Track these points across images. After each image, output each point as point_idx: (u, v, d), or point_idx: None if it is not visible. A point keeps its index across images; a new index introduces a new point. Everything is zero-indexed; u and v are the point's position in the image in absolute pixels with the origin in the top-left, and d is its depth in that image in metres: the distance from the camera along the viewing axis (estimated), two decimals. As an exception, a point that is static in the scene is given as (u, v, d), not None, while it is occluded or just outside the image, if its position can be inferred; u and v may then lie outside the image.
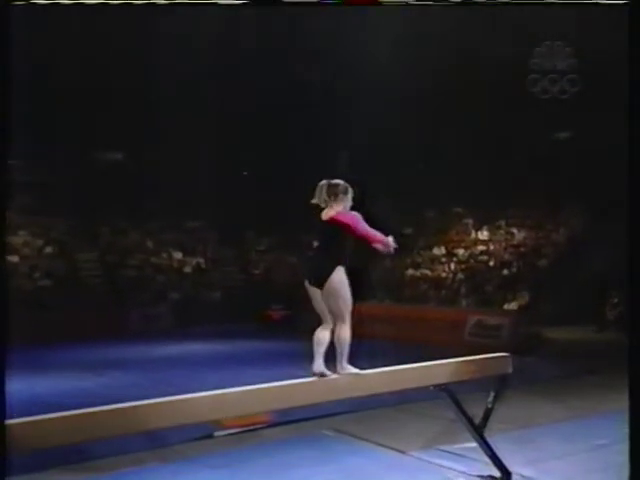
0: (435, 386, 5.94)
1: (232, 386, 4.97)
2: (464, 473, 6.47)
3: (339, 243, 5.16)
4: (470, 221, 24.32)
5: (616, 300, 17.84)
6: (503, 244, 22.79)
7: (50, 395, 10.00)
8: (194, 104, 22.40)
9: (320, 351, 5.12)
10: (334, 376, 5.19)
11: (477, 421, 6.15)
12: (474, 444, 6.28)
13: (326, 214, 5.22)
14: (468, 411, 6.14)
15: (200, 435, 7.44)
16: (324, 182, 5.29)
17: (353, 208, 5.28)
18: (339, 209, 5.19)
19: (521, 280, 20.15)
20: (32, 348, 11.72)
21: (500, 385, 6.27)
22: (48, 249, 22.19)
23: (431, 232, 25.03)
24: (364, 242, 5.20)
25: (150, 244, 24.42)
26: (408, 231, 25.15)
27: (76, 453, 6.36)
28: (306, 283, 5.23)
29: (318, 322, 5.26)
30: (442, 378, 5.90)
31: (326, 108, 22.21)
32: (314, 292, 5.20)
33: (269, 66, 22.15)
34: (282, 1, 5.22)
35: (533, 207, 23.10)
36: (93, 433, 4.33)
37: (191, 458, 7.14)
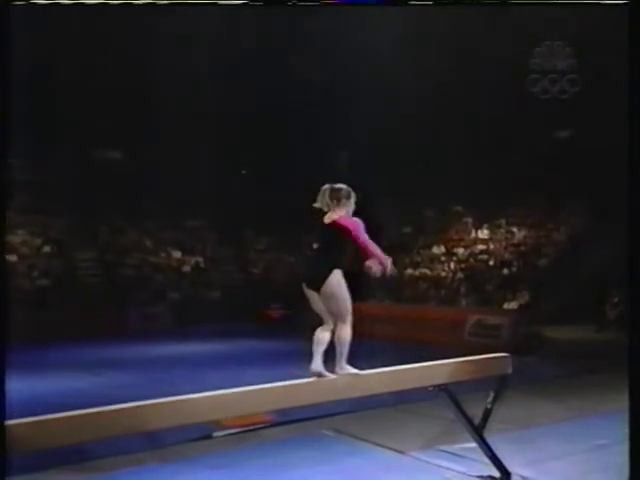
0: (434, 386, 5.93)
1: (231, 386, 4.96)
2: (463, 474, 6.46)
3: (339, 247, 5.14)
4: (470, 220, 24.32)
5: (616, 299, 17.83)
6: (503, 243, 22.79)
7: (48, 395, 9.97)
8: (193, 104, 22.41)
9: (319, 351, 5.11)
10: (333, 376, 5.19)
11: (477, 421, 6.15)
12: (474, 444, 6.27)
13: (328, 217, 5.21)
14: (468, 411, 6.13)
15: (199, 435, 7.43)
16: (327, 186, 5.28)
17: (356, 212, 5.28)
18: (342, 213, 5.19)
19: (521, 279, 20.14)
20: (30, 348, 11.69)
21: (500, 385, 6.26)
22: (46, 248, 22.17)
23: (431, 231, 25.03)
24: (362, 252, 5.17)
25: (149, 243, 24.41)
26: (407, 230, 25.24)
27: (75, 453, 6.35)
28: (303, 286, 5.22)
29: (318, 321, 5.26)
30: (441, 378, 5.89)
31: (326, 108, 22.23)
32: (311, 295, 5.20)
33: (269, 66, 22.16)
34: (282, 1, 5.22)
35: (533, 206, 23.10)
36: (93, 434, 4.33)
37: (190, 458, 7.13)
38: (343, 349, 5.19)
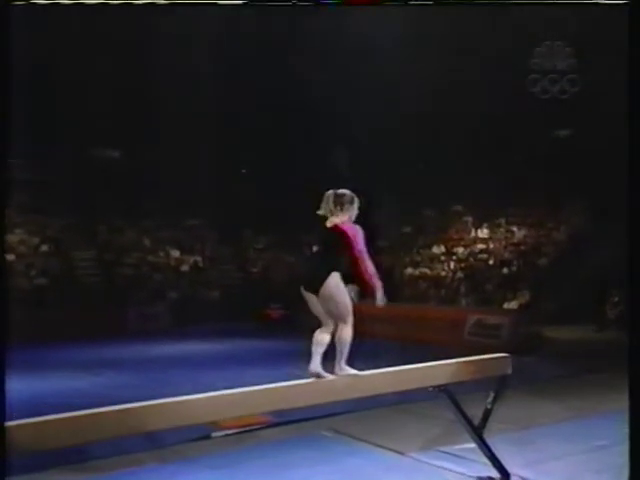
0: (434, 387, 5.92)
1: (231, 386, 4.96)
2: (463, 474, 6.45)
3: (338, 251, 5.15)
4: (470, 219, 24.31)
5: (617, 299, 17.82)
6: (503, 242, 22.79)
7: (47, 395, 9.95)
8: (192, 103, 22.42)
9: (318, 351, 5.11)
10: (332, 377, 5.19)
11: (476, 422, 6.14)
12: (473, 445, 6.26)
13: (330, 222, 5.23)
14: (467, 412, 6.12)
15: (198, 436, 7.42)
16: (330, 192, 5.29)
17: (359, 217, 5.29)
18: (344, 218, 5.21)
19: (521, 279, 20.13)
20: (28, 347, 11.68)
21: (500, 386, 6.25)
22: (44, 247, 22.13)
23: (431, 230, 25.02)
24: (353, 262, 5.13)
25: (147, 242, 24.37)
26: (407, 230, 25.24)
27: (75, 453, 6.34)
28: (301, 288, 5.23)
29: (317, 322, 5.26)
30: (441, 379, 5.88)
31: (326, 108, 22.21)
32: (309, 297, 5.20)
33: (269, 66, 22.16)
34: (282, 1, 5.21)
35: (533, 205, 23.09)
36: (92, 435, 4.33)
37: (190, 459, 7.12)
38: (343, 350, 5.19)
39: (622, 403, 4.50)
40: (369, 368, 5.58)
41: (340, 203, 5.21)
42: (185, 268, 23.92)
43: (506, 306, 18.66)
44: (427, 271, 22.65)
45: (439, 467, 6.71)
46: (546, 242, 22.19)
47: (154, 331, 18.99)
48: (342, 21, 20.03)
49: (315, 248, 5.44)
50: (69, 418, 4.21)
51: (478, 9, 16.63)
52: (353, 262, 5.11)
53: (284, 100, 23.17)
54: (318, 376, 5.12)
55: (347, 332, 5.17)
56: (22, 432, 3.93)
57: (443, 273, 22.25)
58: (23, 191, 20.62)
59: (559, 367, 12.93)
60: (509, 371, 6.26)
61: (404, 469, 6.76)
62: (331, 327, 5.18)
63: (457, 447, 6.98)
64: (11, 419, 3.84)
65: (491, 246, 22.80)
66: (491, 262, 21.93)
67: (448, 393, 5.97)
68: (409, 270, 23.01)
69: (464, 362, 6.09)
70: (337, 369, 5.23)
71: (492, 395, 6.22)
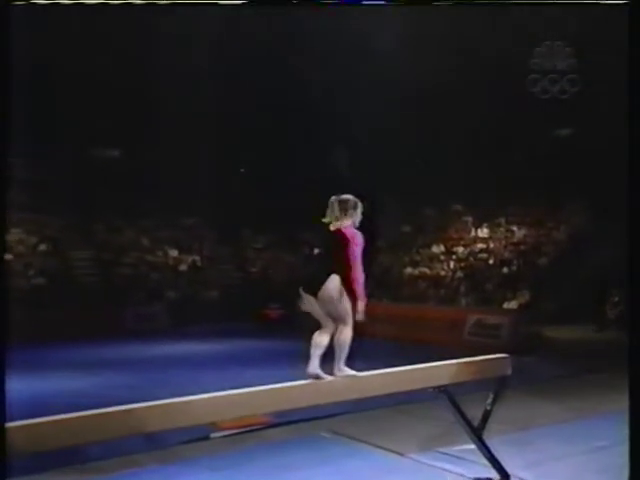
0: (433, 388, 5.91)
1: (229, 386, 4.96)
2: (462, 475, 6.44)
3: (338, 254, 5.15)
4: (469, 219, 24.29)
5: (617, 299, 17.80)
6: (503, 242, 22.77)
7: (45, 396, 9.94)
8: (191, 103, 22.40)
9: (317, 353, 5.11)
10: (330, 378, 5.19)
11: (476, 423, 6.12)
12: (473, 446, 6.25)
13: (334, 225, 5.26)
14: (467, 412, 6.11)
15: (196, 437, 7.40)
16: (334, 198, 5.32)
17: (362, 222, 5.33)
18: (348, 223, 5.25)
19: (521, 279, 20.11)
20: (25, 347, 11.66)
21: (499, 386, 6.24)
22: (42, 247, 22.07)
23: (430, 230, 25.00)
24: (345, 266, 5.14)
25: (145, 242, 24.33)
26: (407, 229, 25.23)
27: (74, 455, 6.31)
28: (300, 290, 5.24)
29: (316, 322, 5.25)
30: (440, 380, 5.87)
31: (326, 108, 22.20)
32: (308, 299, 5.21)
33: (269, 66, 22.14)
34: (282, 1, 5.21)
35: (533, 205, 23.08)
36: (93, 436, 4.34)
37: (189, 460, 7.12)
38: (342, 351, 5.20)
39: (622, 403, 4.49)
40: (368, 368, 5.57)
41: (344, 209, 5.26)
42: (183, 268, 23.86)
43: (506, 306, 18.65)
44: (427, 271, 22.62)
45: (438, 468, 6.71)
46: (546, 242, 22.17)
47: (152, 331, 18.94)
48: (342, 21, 20.00)
49: (317, 250, 5.44)
50: (69, 419, 4.20)
51: (478, 9, 16.62)
52: (346, 267, 5.12)
53: (284, 100, 23.15)
54: (317, 378, 5.12)
55: (347, 333, 5.17)
56: (22, 433, 3.93)
57: (443, 273, 22.22)
58: (21, 190, 20.57)
59: (559, 367, 12.93)
60: (509, 372, 6.25)
61: (403, 470, 6.75)
62: (330, 328, 5.18)
63: (456, 448, 6.97)
64: (10, 419, 3.83)
65: (491, 246, 22.78)
66: (491, 262, 21.91)
67: (447, 394, 5.96)
68: (408, 270, 22.98)
69: (464, 363, 6.08)
70: (336, 370, 5.23)
71: (492, 396, 6.21)
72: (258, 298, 21.65)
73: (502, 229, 23.43)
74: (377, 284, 21.68)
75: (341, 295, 5.11)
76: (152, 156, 23.46)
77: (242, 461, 7.05)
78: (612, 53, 8.82)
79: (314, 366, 5.10)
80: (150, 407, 4.52)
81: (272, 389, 5.01)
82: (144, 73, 21.96)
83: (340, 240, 5.15)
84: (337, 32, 20.03)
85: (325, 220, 5.28)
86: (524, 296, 18.94)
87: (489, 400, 6.19)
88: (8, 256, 19.31)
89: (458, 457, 6.84)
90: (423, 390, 5.98)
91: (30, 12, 4.88)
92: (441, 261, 22.89)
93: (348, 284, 5.12)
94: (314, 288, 5.13)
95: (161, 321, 20.47)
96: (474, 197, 23.50)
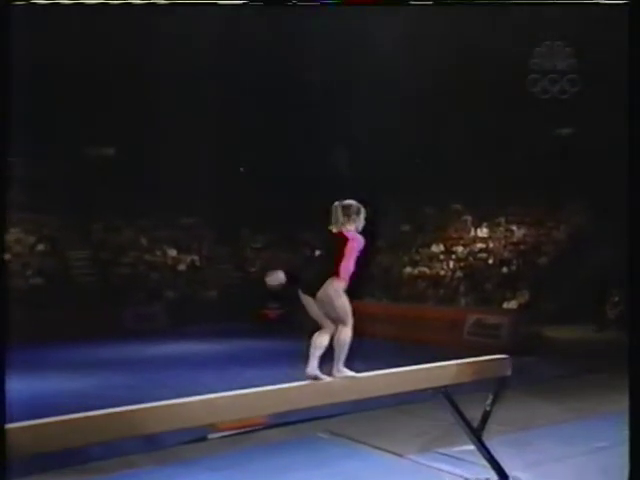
0: (432, 389, 5.89)
1: (228, 386, 4.96)
2: (462, 476, 6.43)
3: (339, 256, 5.16)
4: (469, 218, 24.26)
5: (617, 299, 17.79)
6: (503, 241, 22.74)
7: (44, 396, 9.92)
8: (191, 102, 22.38)
9: (316, 354, 5.11)
10: (329, 379, 5.17)
11: (475, 423, 6.11)
12: (472, 447, 6.23)
13: (336, 228, 5.29)
14: (466, 413, 6.10)
15: (194, 437, 7.39)
16: (337, 204, 5.34)
17: (365, 227, 5.36)
18: (351, 228, 5.28)
19: (521, 278, 20.09)
20: (23, 348, 11.65)
21: (499, 387, 6.23)
22: (40, 246, 22.00)
23: (430, 229, 24.98)
24: (337, 260, 5.15)
25: (144, 241, 24.28)
26: (406, 228, 25.21)
27: (72, 456, 6.28)
28: (299, 291, 5.25)
29: (315, 322, 5.24)
30: (439, 381, 5.86)
31: (325, 107, 22.19)
32: (307, 300, 5.22)
33: (269, 66, 22.12)
34: (282, 1, 5.20)
35: (533, 205, 23.06)
36: (93, 437, 4.33)
37: (187, 461, 7.10)
38: (342, 351, 5.19)
39: (622, 404, 4.48)
40: (367, 368, 5.56)
41: (347, 214, 5.29)
42: (182, 267, 23.81)
43: (505, 306, 18.63)
44: (426, 270, 22.59)
45: (437, 469, 6.70)
46: (546, 241, 22.15)
47: (151, 331, 18.90)
48: (342, 21, 19.98)
49: (317, 252, 5.45)
50: (69, 420, 4.19)
51: (478, 9, 16.60)
52: (341, 257, 5.13)
53: (284, 100, 23.13)
54: (315, 379, 5.11)
55: (346, 334, 5.17)
56: (22, 434, 3.93)
57: (442, 272, 22.19)
58: (18, 189, 20.52)
59: (559, 367, 12.92)
60: (508, 373, 6.24)
61: (402, 471, 6.74)
62: (330, 329, 5.19)
63: (456, 449, 6.96)
64: (10, 420, 3.83)
65: (491, 245, 22.75)
66: (490, 261, 21.88)
67: (446, 395, 5.95)
68: (408, 269, 22.95)
69: (463, 364, 6.06)
70: (335, 371, 5.21)
71: (491, 397, 6.19)
72: (257, 298, 21.57)
73: (502, 228, 23.40)
74: (376, 284, 21.70)
75: (340, 296, 5.12)
76: (151, 156, 23.43)
77: (241, 462, 7.04)
78: (612, 53, 8.81)
79: (312, 367, 5.10)
80: (148, 409, 4.50)
81: (270, 390, 4.99)
82: (144, 73, 21.94)
83: (341, 242, 5.17)
84: (337, 32, 19.99)
85: (331, 228, 5.31)
86: (524, 296, 18.93)
87: (488, 401, 6.18)
88: (6, 256, 19.25)
89: (457, 458, 6.83)
90: (422, 391, 5.96)
91: (30, 12, 4.87)
92: (441, 260, 22.86)
93: (337, 267, 5.11)
94: (312, 289, 5.14)
95: (160, 321, 20.42)
96: (474, 196, 23.48)
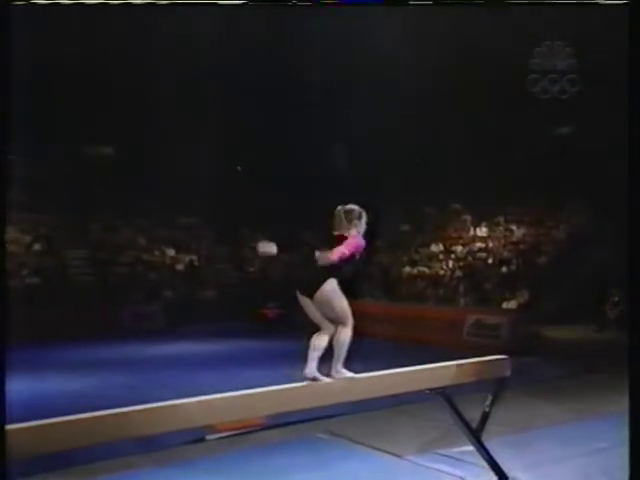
0: (431, 390, 5.88)
1: (227, 386, 4.95)
2: (461, 477, 6.42)
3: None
4: (469, 217, 24.26)
5: (617, 299, 17.78)
6: (502, 241, 22.73)
7: (42, 396, 9.91)
8: (191, 102, 22.37)
9: (314, 356, 5.10)
10: (328, 380, 5.15)
11: (474, 424, 6.09)
12: (471, 448, 6.22)
13: (339, 232, 5.30)
14: (465, 414, 6.08)
15: (192, 438, 7.37)
16: (339, 209, 5.37)
17: (367, 231, 5.39)
18: (353, 233, 5.29)
19: (520, 278, 20.08)
20: (20, 348, 11.63)
21: (498, 388, 6.21)
22: (37, 246, 21.89)
23: (429, 229, 24.97)
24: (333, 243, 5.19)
25: (142, 241, 24.24)
26: (406, 228, 25.19)
27: (71, 457, 6.28)
28: (297, 292, 5.24)
29: (314, 324, 5.23)
30: (438, 382, 5.84)
31: (325, 107, 22.18)
32: (305, 301, 5.20)
33: (269, 66, 22.11)
34: (282, 1, 5.19)
35: (533, 204, 23.06)
36: (93, 438, 4.32)
37: (185, 462, 7.08)
38: (341, 352, 5.18)
39: (622, 404, 4.47)
40: (367, 369, 5.55)
41: (349, 219, 5.31)
42: (181, 267, 23.75)
43: (505, 306, 18.62)
44: (425, 270, 22.58)
45: (437, 470, 6.68)
46: (545, 241, 22.15)
47: (150, 331, 18.85)
48: (342, 21, 19.96)
49: (317, 253, 5.45)
50: (69, 421, 4.18)
51: (478, 9, 16.58)
52: (333, 241, 5.18)
53: (284, 99, 23.11)
54: (314, 380, 5.11)
55: (346, 334, 5.17)
56: (22, 435, 3.92)
57: (442, 272, 22.18)
58: (15, 188, 20.46)
59: (559, 367, 12.91)
60: (508, 373, 6.23)
61: (401, 472, 6.73)
62: (329, 330, 5.18)
63: (455, 450, 6.95)
64: (9, 420, 3.82)
65: (490, 245, 22.74)
66: (490, 261, 21.87)
67: (445, 396, 5.93)
68: (407, 269, 22.94)
69: (462, 365, 6.05)
70: (333, 372, 5.20)
71: (490, 397, 6.18)
72: (256, 298, 21.59)
73: (501, 228, 23.41)
74: (376, 284, 21.69)
75: (339, 297, 5.12)
76: (150, 155, 23.42)
77: (239, 463, 7.03)
78: (612, 53, 8.79)
79: (311, 368, 5.09)
80: (146, 410, 4.48)
81: (268, 391, 4.97)
82: (144, 73, 21.93)
83: (341, 242, 5.16)
84: (337, 32, 19.98)
85: (335, 233, 5.31)
86: (523, 296, 18.91)
87: (488, 401, 6.17)
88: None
89: (457, 459, 6.82)
90: (421, 391, 5.95)
91: (30, 12, 4.86)
92: (440, 260, 22.85)
93: (330, 249, 5.11)
94: (310, 290, 5.13)
95: (158, 321, 20.35)
96: (473, 196, 23.48)
